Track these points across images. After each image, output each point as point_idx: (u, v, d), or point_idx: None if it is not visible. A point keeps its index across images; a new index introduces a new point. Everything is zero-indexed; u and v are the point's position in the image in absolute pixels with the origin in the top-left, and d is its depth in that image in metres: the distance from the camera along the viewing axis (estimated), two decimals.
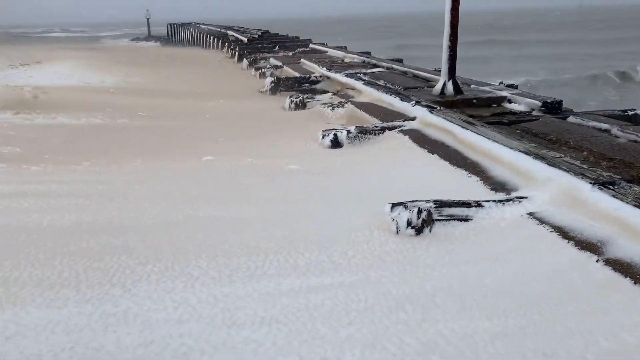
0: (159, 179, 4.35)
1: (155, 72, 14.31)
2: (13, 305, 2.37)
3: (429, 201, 3.36)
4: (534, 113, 6.20)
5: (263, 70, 12.59)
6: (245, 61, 15.49)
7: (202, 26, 33.72)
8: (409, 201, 3.35)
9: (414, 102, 6.26)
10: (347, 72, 10.00)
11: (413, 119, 5.80)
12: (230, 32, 25.84)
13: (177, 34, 39.83)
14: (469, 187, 3.95)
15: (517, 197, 3.54)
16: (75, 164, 4.81)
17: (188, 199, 3.83)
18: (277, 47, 18.31)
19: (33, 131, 6.05)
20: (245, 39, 21.40)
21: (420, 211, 3.21)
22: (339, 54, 13.94)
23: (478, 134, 4.72)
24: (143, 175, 4.45)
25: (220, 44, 23.29)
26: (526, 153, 4.04)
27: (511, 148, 4.20)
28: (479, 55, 31.89)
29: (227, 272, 2.74)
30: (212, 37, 26.00)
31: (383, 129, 5.61)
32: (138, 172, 4.62)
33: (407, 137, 5.29)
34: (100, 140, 6.00)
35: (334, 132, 5.58)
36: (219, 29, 29.36)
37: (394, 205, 3.33)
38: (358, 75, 9.47)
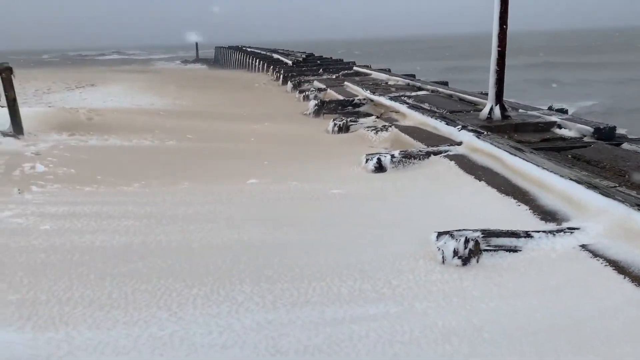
0: (205, 202, 4.43)
1: (202, 94, 14.71)
2: (66, 325, 2.44)
3: (476, 230, 3.28)
4: (586, 139, 6.01)
5: (307, 93, 12.74)
6: (289, 84, 15.74)
7: (248, 49, 34.56)
8: (456, 230, 3.28)
9: (460, 126, 6.18)
10: (391, 95, 10.00)
11: (459, 143, 5.72)
12: (275, 55, 26.37)
13: (224, 57, 40.91)
14: (517, 216, 3.84)
15: (568, 228, 3.42)
16: (125, 185, 4.97)
17: (233, 222, 3.89)
18: (321, 70, 18.53)
19: (87, 152, 6.29)
20: (290, 62, 21.79)
21: (467, 240, 3.14)
22: (382, 76, 13.97)
23: (527, 160, 4.61)
24: (190, 198, 4.55)
25: (265, 66, 23.77)
26: (578, 182, 3.91)
27: (562, 176, 4.08)
28: (534, 78, 30.93)
29: (271, 298, 2.74)
30: (257, 60, 26.58)
31: (428, 154, 5.55)
32: (185, 194, 4.72)
33: (453, 162, 5.21)
34: (149, 161, 6.18)
35: (377, 156, 5.56)
36: (264, 52, 30.01)
37: (439, 234, 3.28)
38: (402, 98, 9.46)
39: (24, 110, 7.32)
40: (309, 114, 10.14)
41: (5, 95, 7.07)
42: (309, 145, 7.39)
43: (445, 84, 12.24)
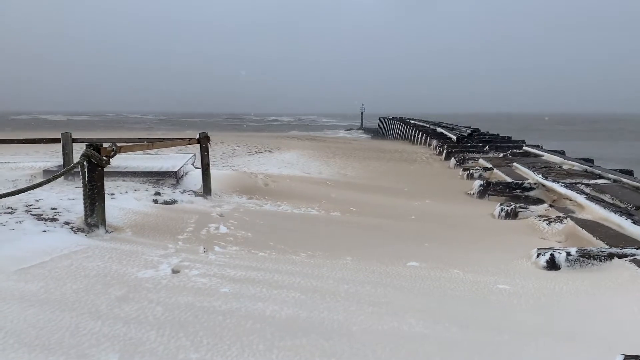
0: (366, 281, 4.50)
1: (365, 165, 15.24)
2: None
3: None
4: None
5: (471, 171, 12.51)
6: (452, 160, 15.61)
7: (412, 121, 35.21)
8: None
9: None
10: (565, 181, 9.36)
11: None
12: (438, 129, 26.46)
13: (386, 127, 42.17)
14: None
15: None
16: (294, 253, 5.29)
17: (392, 309, 3.88)
18: (486, 147, 18.10)
19: (262, 217, 6.86)
20: (454, 137, 21.66)
21: None
22: (555, 159, 13.17)
23: None
24: (351, 275, 4.67)
25: (428, 139, 23.93)
26: None
27: None
28: None
29: None
30: (419, 133, 26.91)
31: (610, 256, 5.01)
32: (347, 269, 4.86)
33: None
34: (315, 231, 6.51)
35: (551, 251, 5.17)
36: (427, 125, 30.31)
37: (627, 357, 2.90)
38: (578, 186, 8.78)
39: (212, 172, 8.28)
40: (473, 194, 9.90)
41: (201, 159, 8.11)
42: (472, 229, 7.16)
43: (629, 173, 11.10)
